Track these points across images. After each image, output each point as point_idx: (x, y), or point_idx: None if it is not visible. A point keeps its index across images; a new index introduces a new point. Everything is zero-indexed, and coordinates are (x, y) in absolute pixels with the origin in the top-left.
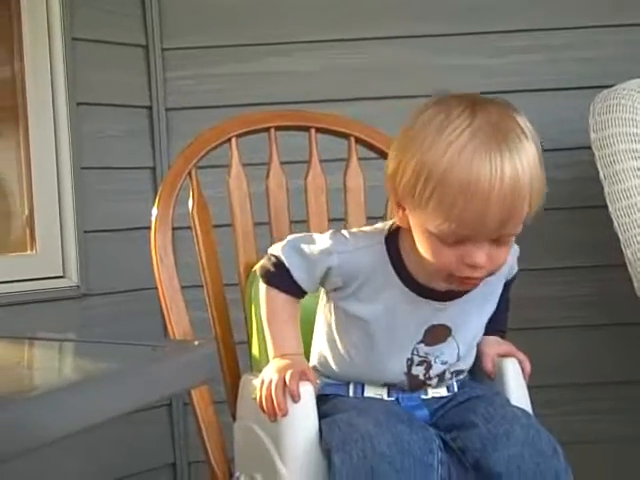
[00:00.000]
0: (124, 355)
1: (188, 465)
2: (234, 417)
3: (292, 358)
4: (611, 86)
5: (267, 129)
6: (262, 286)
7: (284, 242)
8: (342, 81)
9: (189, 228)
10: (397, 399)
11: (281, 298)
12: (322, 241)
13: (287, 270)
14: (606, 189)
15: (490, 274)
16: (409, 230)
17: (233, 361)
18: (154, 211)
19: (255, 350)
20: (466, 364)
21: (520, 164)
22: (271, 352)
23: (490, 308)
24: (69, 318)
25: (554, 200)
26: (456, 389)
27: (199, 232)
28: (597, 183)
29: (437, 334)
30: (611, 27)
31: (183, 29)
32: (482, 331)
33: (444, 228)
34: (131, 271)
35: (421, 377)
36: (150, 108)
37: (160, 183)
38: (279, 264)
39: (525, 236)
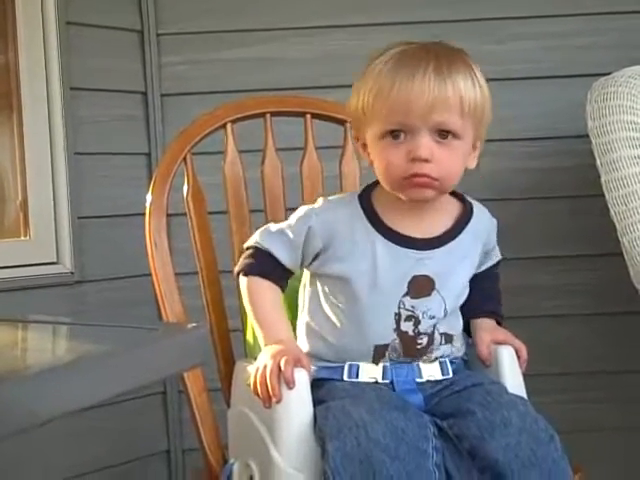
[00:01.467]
0: (117, 337)
1: (182, 453)
2: (228, 404)
3: (286, 344)
4: (609, 74)
5: (263, 115)
6: (242, 280)
7: (254, 235)
8: (338, 67)
9: (184, 214)
10: (392, 382)
11: (265, 285)
12: (298, 212)
13: (268, 253)
14: (603, 177)
15: (442, 187)
16: (379, 185)
17: (227, 347)
18: (148, 197)
19: (249, 337)
20: (454, 328)
21: (448, 69)
22: (261, 340)
23: (469, 268)
24: (63, 304)
25: (551, 188)
26: (451, 373)
27: (194, 218)
28: (594, 171)
29: (421, 286)
30: (609, 14)
31: (178, 14)
32: (465, 293)
33: (385, 120)
34: (125, 258)
35: (411, 333)
36: (145, 94)
37: (155, 169)
38: (257, 252)
39: (520, 224)
